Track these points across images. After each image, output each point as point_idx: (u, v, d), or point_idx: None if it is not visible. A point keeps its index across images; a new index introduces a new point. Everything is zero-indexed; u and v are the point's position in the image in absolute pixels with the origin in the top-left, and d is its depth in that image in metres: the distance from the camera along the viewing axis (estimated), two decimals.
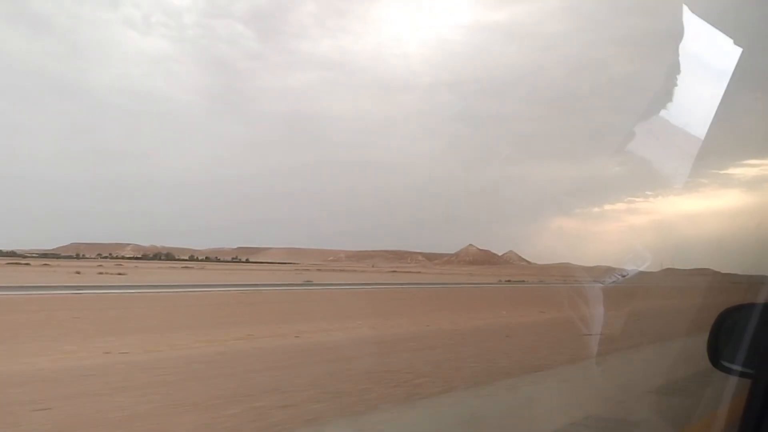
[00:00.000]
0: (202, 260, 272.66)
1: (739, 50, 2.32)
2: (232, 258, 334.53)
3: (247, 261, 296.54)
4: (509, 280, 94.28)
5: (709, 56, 2.63)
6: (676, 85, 3.08)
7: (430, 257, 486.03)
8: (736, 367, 1.60)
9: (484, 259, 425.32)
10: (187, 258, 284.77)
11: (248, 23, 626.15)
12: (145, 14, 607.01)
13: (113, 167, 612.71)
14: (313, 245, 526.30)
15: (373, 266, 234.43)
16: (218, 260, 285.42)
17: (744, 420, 1.28)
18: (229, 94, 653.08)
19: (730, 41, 2.40)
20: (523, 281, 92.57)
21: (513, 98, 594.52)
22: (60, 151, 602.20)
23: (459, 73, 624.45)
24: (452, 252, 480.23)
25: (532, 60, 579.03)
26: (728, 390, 2.02)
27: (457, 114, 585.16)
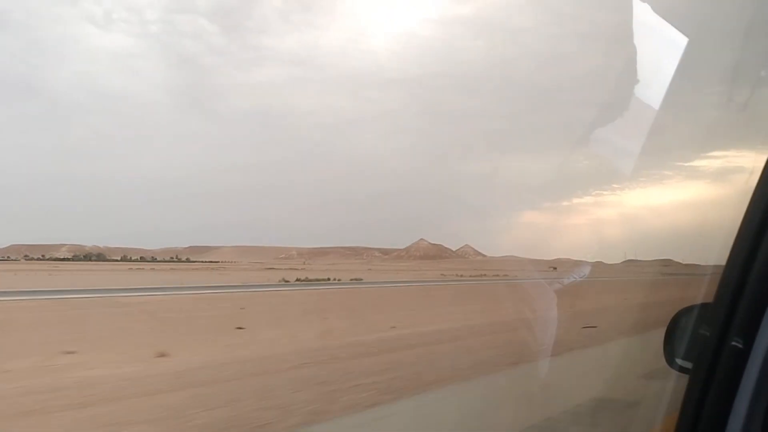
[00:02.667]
0: (136, 260, 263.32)
1: (698, 44, 2.52)
2: (171, 258, 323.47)
3: (187, 260, 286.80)
4: (443, 275, 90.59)
5: (668, 50, 2.69)
6: (639, 79, 3.26)
7: (386, 252, 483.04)
8: (687, 365, 1.76)
9: (436, 253, 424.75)
10: (135, 259, 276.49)
11: (212, 18, 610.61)
12: (106, 10, 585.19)
13: (71, 167, 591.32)
14: (270, 243, 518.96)
15: (304, 263, 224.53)
16: (154, 260, 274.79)
17: (681, 413, 1.41)
18: (194, 91, 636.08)
19: (687, 36, 2.55)
20: (461, 276, 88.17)
21: (482, 93, 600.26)
22: (16, 149, 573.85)
23: (428, 68, 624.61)
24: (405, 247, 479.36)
25: (500, 54, 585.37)
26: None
27: (425, 109, 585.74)
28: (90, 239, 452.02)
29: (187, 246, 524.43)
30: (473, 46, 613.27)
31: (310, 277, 64.96)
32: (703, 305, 1.75)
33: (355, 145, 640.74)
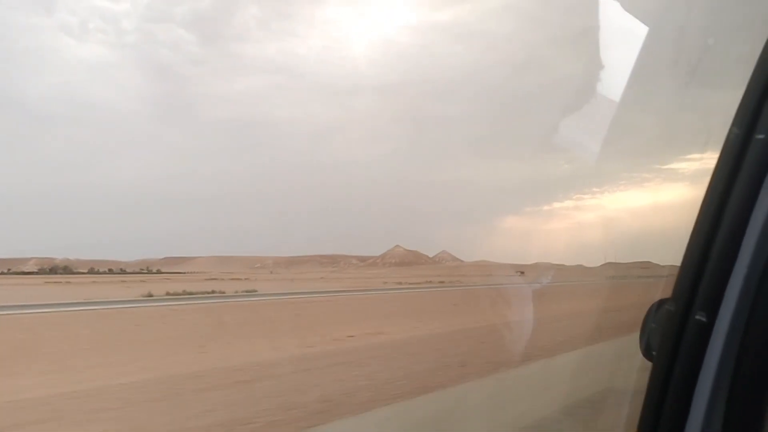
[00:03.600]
0: (105, 272, 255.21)
1: (679, 46, 2.56)
2: (141, 269, 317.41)
3: (158, 272, 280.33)
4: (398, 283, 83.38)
5: (643, 53, 2.80)
6: (615, 82, 3.29)
7: (364, 260, 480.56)
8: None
9: (412, 259, 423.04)
10: (102, 271, 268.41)
11: (189, 27, 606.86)
12: (82, 20, 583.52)
13: (47, 179, 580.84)
14: (248, 253, 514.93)
15: (271, 272, 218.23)
16: (123, 272, 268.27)
17: (648, 390, 1.44)
18: (172, 100, 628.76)
19: (661, 36, 2.65)
20: (419, 283, 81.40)
21: (460, 99, 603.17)
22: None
23: (406, 75, 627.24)
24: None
25: (477, 60, 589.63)
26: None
27: (404, 116, 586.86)
28: (64, 252, 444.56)
29: (162, 257, 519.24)
30: (451, 52, 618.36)
31: (205, 289, 53.11)
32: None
33: (334, 153, 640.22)
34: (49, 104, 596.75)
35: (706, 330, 1.33)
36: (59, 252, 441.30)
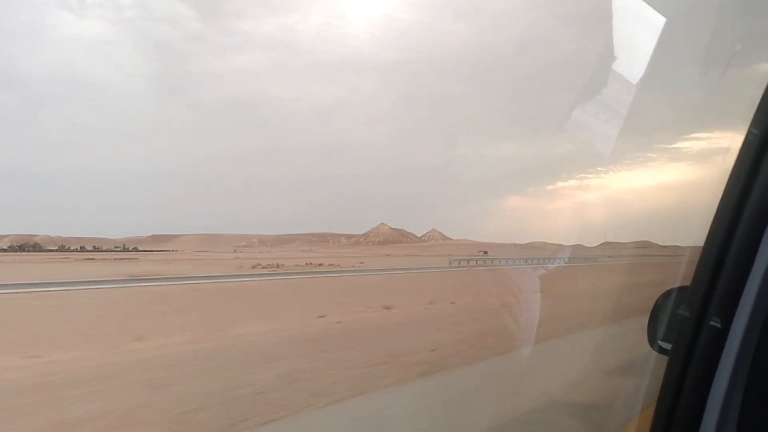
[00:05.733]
0: (76, 250, 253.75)
1: (681, 25, 2.62)
2: (115, 247, 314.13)
3: (134, 249, 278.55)
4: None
5: (648, 32, 2.76)
6: (621, 62, 3.34)
7: (352, 238, 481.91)
8: (667, 346, 1.81)
9: (397, 238, 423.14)
10: (73, 249, 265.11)
11: (188, 3, 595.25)
12: None
13: (44, 158, 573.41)
14: (236, 231, 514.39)
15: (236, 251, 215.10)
16: (96, 249, 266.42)
17: (661, 393, 1.47)
18: (170, 78, 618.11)
19: (668, 16, 2.60)
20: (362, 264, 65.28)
21: (462, 77, 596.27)
22: None
23: (407, 53, 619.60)
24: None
25: (481, 38, 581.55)
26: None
27: (404, 94, 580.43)
28: (50, 230, 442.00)
29: (149, 235, 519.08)
30: (453, 30, 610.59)
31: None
32: (683, 288, 1.76)
33: (332, 132, 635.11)
34: (47, 83, 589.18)
35: (721, 336, 1.35)
36: (41, 229, 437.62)
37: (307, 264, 61.43)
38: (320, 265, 57.86)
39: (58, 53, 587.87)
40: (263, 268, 54.19)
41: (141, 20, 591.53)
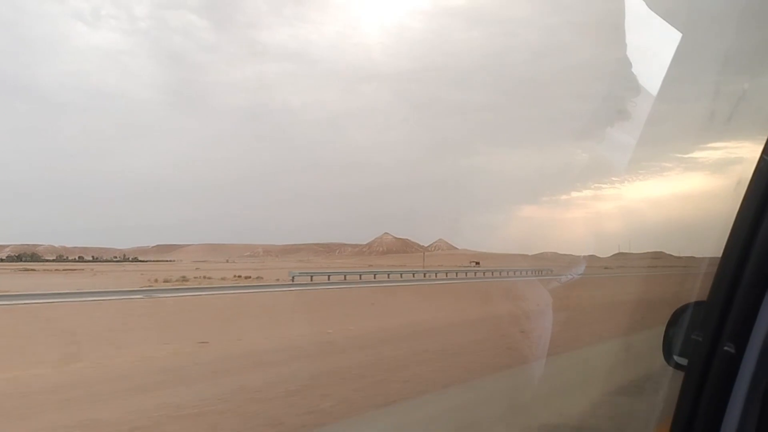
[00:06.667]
0: (74, 260, 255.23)
1: (694, 32, 2.56)
2: (114, 257, 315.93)
3: (134, 260, 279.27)
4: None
5: (665, 40, 2.71)
6: (636, 70, 3.30)
7: (357, 248, 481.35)
8: (682, 361, 1.81)
9: (401, 248, 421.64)
10: (72, 259, 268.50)
11: (201, 13, 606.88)
12: (94, 6, 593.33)
13: (56, 167, 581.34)
14: (240, 241, 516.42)
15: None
16: (96, 260, 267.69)
17: (677, 411, 1.47)
18: (185, 88, 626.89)
19: (682, 25, 2.60)
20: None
21: (476, 86, 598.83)
22: (8, 151, 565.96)
23: (420, 61, 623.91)
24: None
25: (494, 46, 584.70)
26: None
27: (418, 103, 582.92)
28: (55, 239, 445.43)
29: (154, 245, 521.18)
30: (467, 38, 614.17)
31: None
32: (699, 303, 1.77)
33: (346, 141, 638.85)
34: (63, 92, 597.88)
35: (735, 361, 1.35)
36: (42, 239, 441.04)
37: (235, 277, 57.30)
38: (248, 278, 54.46)
39: (74, 63, 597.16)
40: (186, 281, 48.95)
41: (155, 31, 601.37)
